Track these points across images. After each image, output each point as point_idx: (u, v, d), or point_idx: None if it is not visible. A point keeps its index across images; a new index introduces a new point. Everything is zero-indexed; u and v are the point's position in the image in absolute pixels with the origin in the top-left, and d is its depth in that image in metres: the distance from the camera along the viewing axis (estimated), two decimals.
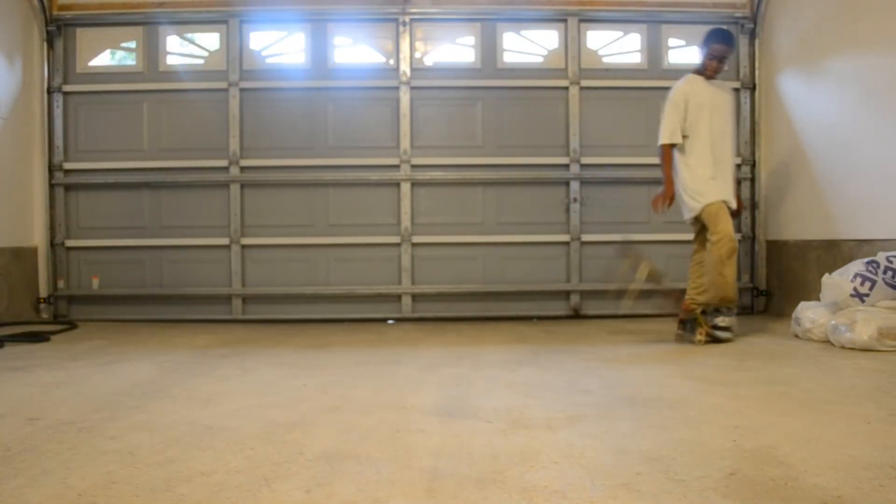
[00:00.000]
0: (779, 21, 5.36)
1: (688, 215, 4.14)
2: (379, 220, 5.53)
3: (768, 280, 5.56)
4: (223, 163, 5.48)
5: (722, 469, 1.76)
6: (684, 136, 4.09)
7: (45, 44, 5.41)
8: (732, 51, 4.14)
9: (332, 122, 5.53)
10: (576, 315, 5.52)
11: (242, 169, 5.49)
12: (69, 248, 5.51)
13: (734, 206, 4.12)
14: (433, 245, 5.53)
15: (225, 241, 5.49)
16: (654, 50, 5.62)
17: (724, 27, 4.13)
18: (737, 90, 5.57)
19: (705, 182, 4.05)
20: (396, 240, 5.50)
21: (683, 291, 4.19)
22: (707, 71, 4.13)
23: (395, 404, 2.55)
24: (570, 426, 2.20)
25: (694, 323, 4.05)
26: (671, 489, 1.62)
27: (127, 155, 5.50)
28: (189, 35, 5.63)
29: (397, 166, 5.51)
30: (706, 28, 5.51)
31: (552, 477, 1.72)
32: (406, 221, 5.49)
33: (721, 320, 4.02)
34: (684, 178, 4.09)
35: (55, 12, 5.42)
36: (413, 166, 5.51)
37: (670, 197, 4.14)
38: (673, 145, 4.11)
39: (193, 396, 2.70)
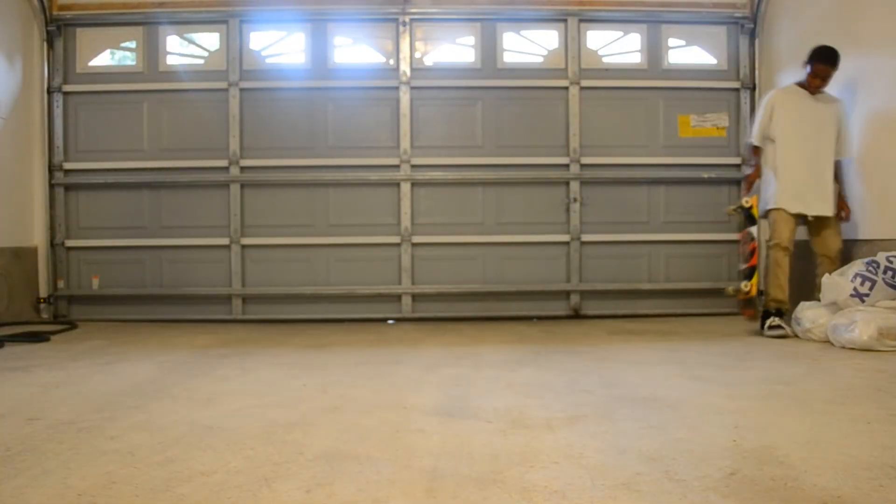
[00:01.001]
0: (779, 21, 5.36)
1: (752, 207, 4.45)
2: (379, 220, 5.53)
3: None
4: (223, 163, 5.48)
5: (722, 469, 1.76)
6: (772, 140, 4.39)
7: (45, 44, 5.41)
8: (834, 70, 4.25)
9: (332, 122, 5.53)
10: (576, 315, 5.52)
11: (242, 169, 5.49)
12: (69, 248, 5.51)
13: (827, 213, 4.31)
14: (433, 245, 5.53)
15: (225, 241, 5.49)
16: (654, 50, 5.62)
17: (830, 46, 4.21)
18: (737, 90, 5.58)
19: (782, 190, 4.34)
20: (396, 240, 5.50)
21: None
22: (809, 87, 4.32)
23: (395, 404, 2.55)
24: (570, 426, 2.20)
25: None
26: (671, 489, 1.62)
27: (127, 155, 5.50)
28: (189, 35, 5.63)
29: (397, 166, 5.51)
30: (706, 28, 5.61)
31: (552, 477, 1.72)
32: (406, 221, 5.49)
33: (771, 320, 4.22)
34: (768, 178, 4.44)
35: (55, 12, 5.42)
36: (413, 166, 5.51)
37: (754, 179, 4.54)
38: (757, 147, 4.47)
39: (193, 396, 2.70)
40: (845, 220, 4.38)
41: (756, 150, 4.53)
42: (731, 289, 4.53)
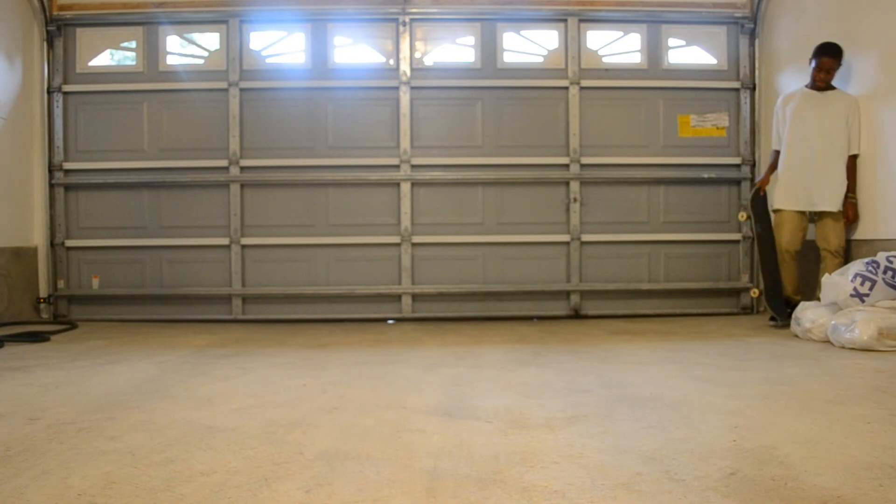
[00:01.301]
0: (779, 21, 5.36)
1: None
2: (379, 220, 5.53)
3: None
4: (223, 163, 5.48)
5: (722, 469, 1.76)
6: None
7: (45, 44, 5.41)
8: (836, 62, 4.38)
9: (332, 122, 5.53)
10: (576, 315, 5.52)
11: (242, 169, 5.49)
12: (69, 248, 5.51)
13: (825, 208, 4.39)
14: (433, 245, 5.53)
15: (225, 241, 5.49)
16: (654, 50, 5.62)
17: (833, 41, 4.38)
18: (737, 90, 5.58)
19: (781, 188, 4.59)
20: (396, 240, 5.50)
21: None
22: (816, 82, 4.45)
23: (395, 404, 2.55)
24: (570, 426, 2.20)
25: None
26: (671, 489, 1.63)
27: (127, 155, 5.50)
28: (189, 35, 5.63)
29: (397, 166, 5.51)
30: (706, 28, 5.61)
31: (552, 477, 1.72)
32: (406, 221, 5.49)
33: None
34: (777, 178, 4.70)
35: (55, 12, 5.42)
36: (413, 166, 5.51)
37: (764, 184, 4.80)
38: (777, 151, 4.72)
39: (193, 396, 2.70)
40: (851, 222, 4.40)
41: (776, 154, 4.75)
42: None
